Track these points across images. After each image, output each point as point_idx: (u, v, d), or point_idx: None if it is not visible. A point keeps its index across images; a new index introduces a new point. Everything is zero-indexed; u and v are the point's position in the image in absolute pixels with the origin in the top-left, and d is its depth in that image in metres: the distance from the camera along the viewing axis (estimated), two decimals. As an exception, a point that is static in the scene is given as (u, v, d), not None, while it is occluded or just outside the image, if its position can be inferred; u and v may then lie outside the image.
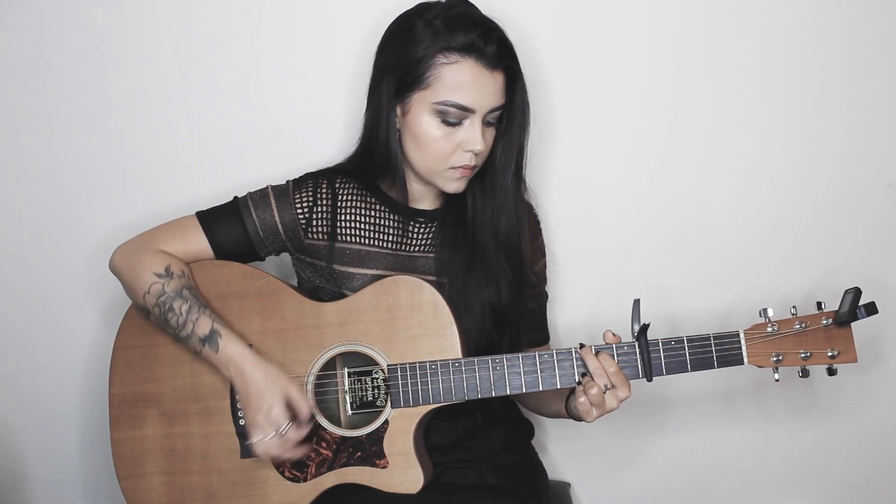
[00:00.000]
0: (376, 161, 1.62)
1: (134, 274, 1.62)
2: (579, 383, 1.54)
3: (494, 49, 1.52)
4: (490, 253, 1.64)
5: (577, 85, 1.88)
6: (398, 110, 1.58)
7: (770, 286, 1.90)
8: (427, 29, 1.52)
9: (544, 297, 1.78)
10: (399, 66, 1.55)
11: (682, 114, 1.89)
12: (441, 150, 1.55)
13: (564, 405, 1.63)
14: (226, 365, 1.56)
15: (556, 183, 1.88)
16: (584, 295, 1.93)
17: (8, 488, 1.98)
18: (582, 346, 1.54)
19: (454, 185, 1.60)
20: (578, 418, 1.58)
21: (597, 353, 1.53)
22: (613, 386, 1.51)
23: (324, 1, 1.85)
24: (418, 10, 1.57)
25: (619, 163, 1.91)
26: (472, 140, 1.54)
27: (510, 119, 1.59)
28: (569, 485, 2.01)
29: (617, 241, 1.92)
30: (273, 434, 1.53)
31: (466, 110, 1.53)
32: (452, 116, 1.53)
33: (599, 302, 1.92)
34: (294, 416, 1.55)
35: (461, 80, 1.51)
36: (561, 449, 2.02)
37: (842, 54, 1.87)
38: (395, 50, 1.56)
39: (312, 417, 1.58)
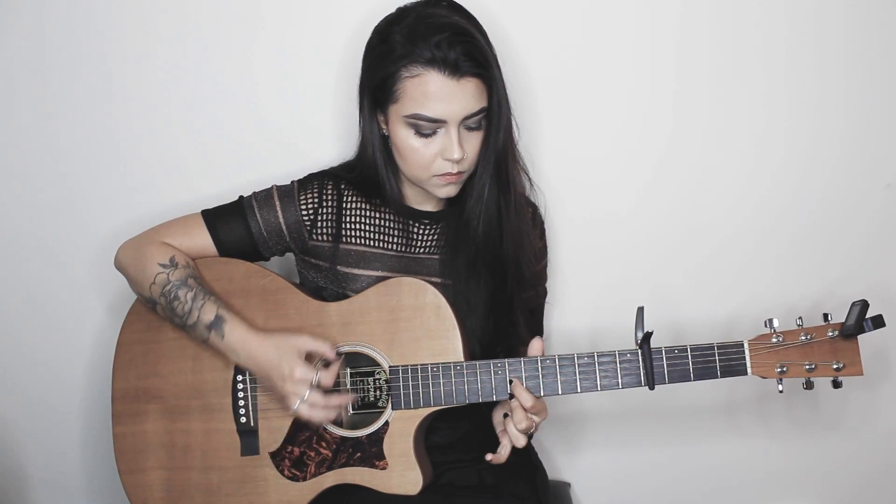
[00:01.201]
0: (368, 175, 1.63)
1: (139, 266, 1.62)
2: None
3: (458, 57, 1.48)
4: (482, 252, 1.63)
5: (577, 85, 1.87)
6: (381, 121, 1.58)
7: (774, 293, 1.89)
8: (395, 40, 1.51)
9: (543, 295, 1.78)
10: (371, 81, 1.55)
11: (683, 115, 1.88)
12: (421, 160, 1.55)
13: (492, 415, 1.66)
14: (234, 350, 1.56)
15: (556, 184, 1.86)
16: (585, 300, 1.92)
17: (8, 488, 1.98)
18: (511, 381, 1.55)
19: (444, 191, 1.59)
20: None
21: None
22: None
23: (324, 2, 1.84)
24: (391, 19, 1.56)
25: (620, 166, 1.90)
26: (449, 149, 1.53)
27: (488, 123, 1.57)
28: (569, 485, 2.01)
29: (619, 246, 1.92)
30: (308, 391, 1.52)
31: (436, 122, 1.51)
32: (425, 128, 1.52)
33: (601, 307, 1.92)
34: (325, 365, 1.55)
35: (426, 92, 1.49)
36: (561, 449, 2.02)
37: (842, 54, 1.85)
38: (369, 64, 1.57)
39: (339, 355, 1.57)
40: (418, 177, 1.58)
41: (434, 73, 1.49)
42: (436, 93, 1.49)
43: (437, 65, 1.48)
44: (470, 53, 1.50)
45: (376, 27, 1.58)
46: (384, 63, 1.52)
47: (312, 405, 1.53)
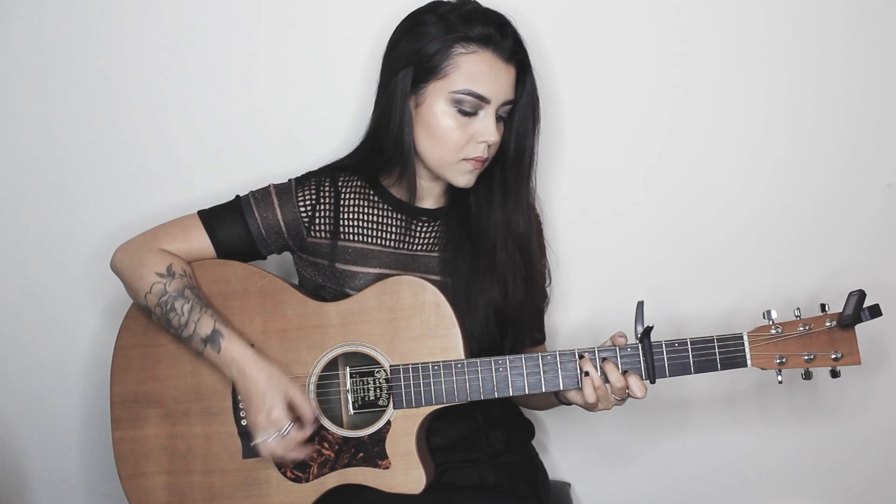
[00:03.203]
0: (384, 155, 1.62)
1: (136, 274, 1.62)
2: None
3: (510, 43, 1.54)
4: (499, 253, 1.63)
5: (579, 83, 1.88)
6: (412, 103, 1.58)
7: (772, 286, 1.90)
8: (441, 22, 1.54)
9: (543, 297, 1.78)
10: (415, 58, 1.55)
11: (684, 113, 1.89)
12: (455, 141, 1.56)
13: (555, 395, 1.64)
14: (228, 365, 1.56)
15: (557, 182, 1.88)
16: (586, 295, 1.92)
17: (8, 488, 1.98)
18: (581, 356, 1.54)
19: (465, 179, 1.60)
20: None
21: (603, 360, 1.54)
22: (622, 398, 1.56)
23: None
24: (430, 6, 1.59)
25: (620, 162, 1.91)
26: (487, 131, 1.55)
27: (521, 116, 1.60)
28: (569, 485, 2.01)
29: (619, 242, 1.92)
30: (275, 435, 1.53)
31: (483, 100, 1.54)
32: (468, 105, 1.54)
33: (601, 302, 1.92)
34: (297, 418, 1.55)
35: (479, 70, 1.53)
36: (561, 449, 2.02)
37: (842, 53, 1.87)
38: (410, 43, 1.56)
39: (317, 420, 1.57)
40: (446, 160, 1.58)
41: (489, 52, 1.53)
42: (487, 72, 1.53)
43: (493, 45, 1.53)
44: (517, 42, 1.56)
45: (414, 12, 1.60)
46: (434, 40, 1.54)
47: (272, 449, 1.53)
